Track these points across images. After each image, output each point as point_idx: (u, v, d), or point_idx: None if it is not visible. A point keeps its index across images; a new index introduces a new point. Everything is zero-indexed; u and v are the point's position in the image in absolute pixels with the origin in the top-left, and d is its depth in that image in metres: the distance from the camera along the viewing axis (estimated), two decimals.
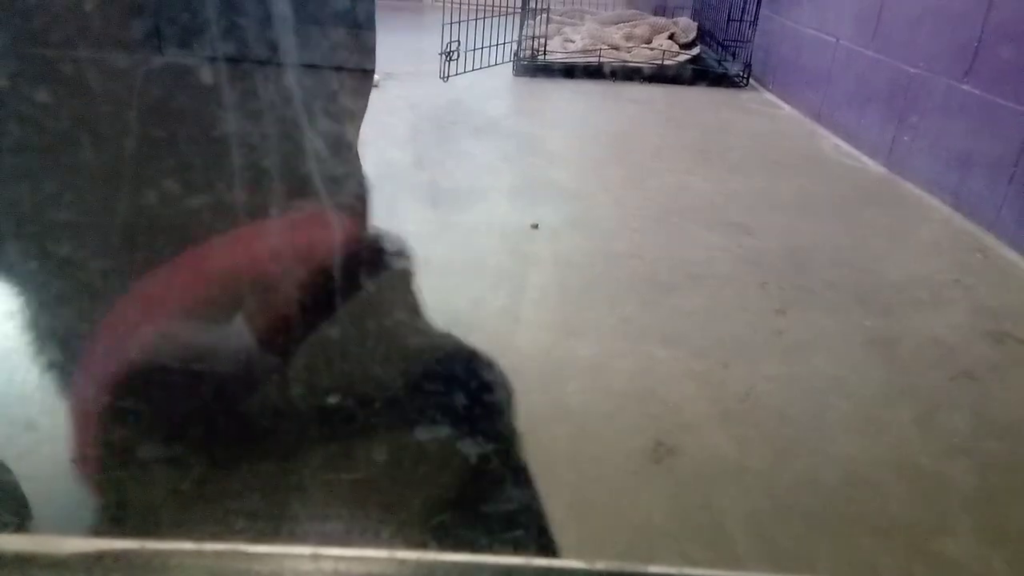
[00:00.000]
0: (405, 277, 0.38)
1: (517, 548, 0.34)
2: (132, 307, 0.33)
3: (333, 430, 0.34)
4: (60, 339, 0.36)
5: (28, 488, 0.57)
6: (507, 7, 2.62)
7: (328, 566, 0.21)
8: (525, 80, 2.71)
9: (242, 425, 0.34)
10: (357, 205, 0.39)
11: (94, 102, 0.32)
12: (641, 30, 3.08)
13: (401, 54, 2.82)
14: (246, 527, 0.36)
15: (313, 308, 0.34)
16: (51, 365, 0.36)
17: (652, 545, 0.72)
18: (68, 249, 0.33)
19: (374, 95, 0.47)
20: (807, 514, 0.77)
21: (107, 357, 0.33)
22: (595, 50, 2.84)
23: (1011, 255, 1.44)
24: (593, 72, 2.76)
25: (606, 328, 1.09)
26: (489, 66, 2.58)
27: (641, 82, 2.76)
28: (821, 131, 2.29)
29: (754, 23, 2.78)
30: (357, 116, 0.41)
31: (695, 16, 3.43)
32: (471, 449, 0.37)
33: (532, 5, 2.84)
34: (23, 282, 0.35)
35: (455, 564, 0.21)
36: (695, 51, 3.00)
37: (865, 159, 2.03)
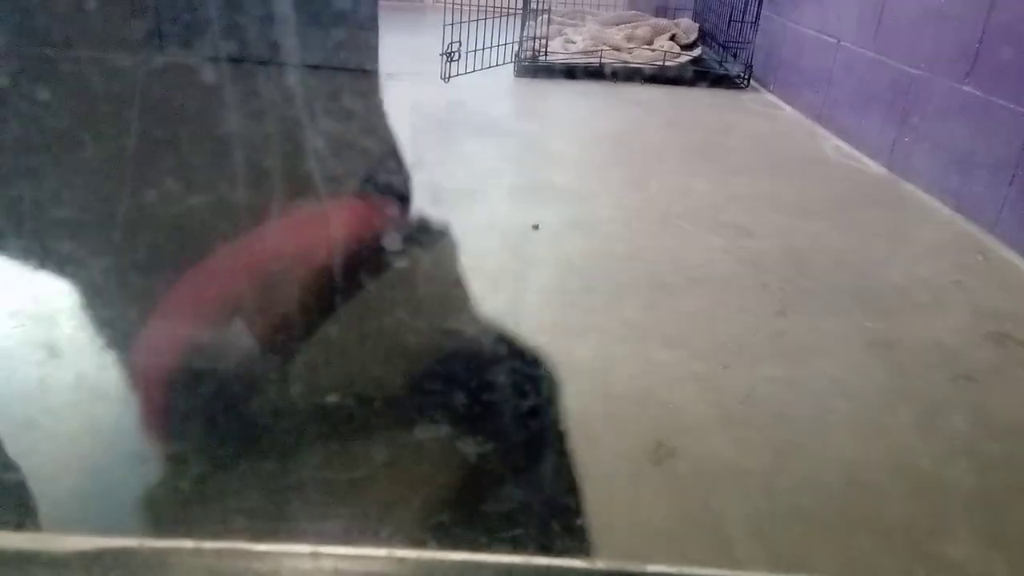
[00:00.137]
0: (452, 256, 0.38)
1: (517, 547, 0.34)
2: (191, 292, 0.33)
3: (397, 408, 0.34)
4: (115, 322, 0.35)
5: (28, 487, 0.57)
6: (508, 8, 2.62)
7: (328, 564, 0.21)
8: (526, 81, 2.71)
9: (277, 415, 0.34)
10: (402, 187, 0.39)
11: (97, 100, 0.32)
12: (642, 31, 3.08)
13: (402, 55, 2.82)
14: (246, 526, 0.36)
15: (364, 291, 0.34)
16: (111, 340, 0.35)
17: (652, 546, 0.72)
18: (130, 238, 0.33)
19: None
20: (807, 515, 0.77)
21: (163, 339, 0.33)
22: (596, 51, 2.84)
23: (1012, 257, 1.44)
24: (594, 73, 2.76)
25: (606, 329, 1.09)
26: (490, 67, 2.58)
27: (642, 83, 2.76)
28: (822, 132, 2.29)
29: (755, 24, 2.78)
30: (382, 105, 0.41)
31: (696, 17, 3.43)
32: (523, 435, 0.37)
33: (533, 6, 2.84)
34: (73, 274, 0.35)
35: (454, 563, 0.21)
36: (696, 52, 3.00)
37: (866, 160, 2.02)
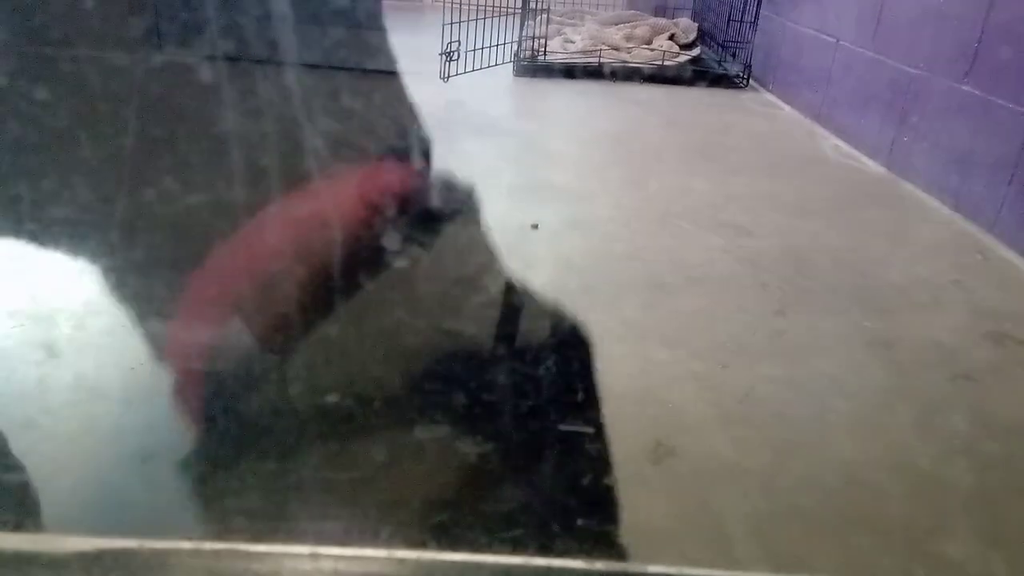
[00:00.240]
0: (477, 220, 0.38)
1: (516, 547, 0.34)
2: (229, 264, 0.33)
3: (433, 369, 0.34)
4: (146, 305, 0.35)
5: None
6: (507, 7, 2.62)
7: (327, 565, 0.21)
8: (525, 80, 2.71)
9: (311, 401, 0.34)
10: (424, 151, 0.40)
11: (95, 99, 0.32)
12: (641, 31, 3.08)
13: (400, 54, 2.82)
14: (245, 526, 0.36)
15: (397, 253, 0.34)
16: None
17: (652, 546, 0.72)
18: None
19: None
20: (806, 515, 0.77)
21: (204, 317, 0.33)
22: (595, 51, 2.84)
23: (1011, 256, 1.44)
24: (593, 73, 2.76)
25: (606, 329, 1.09)
26: (489, 66, 2.58)
27: (641, 83, 2.76)
28: (821, 132, 2.29)
29: (754, 24, 2.78)
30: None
31: (695, 17, 3.43)
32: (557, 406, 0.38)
33: (532, 5, 2.84)
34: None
35: (454, 564, 0.21)
36: (695, 52, 3.00)
37: (865, 160, 2.03)
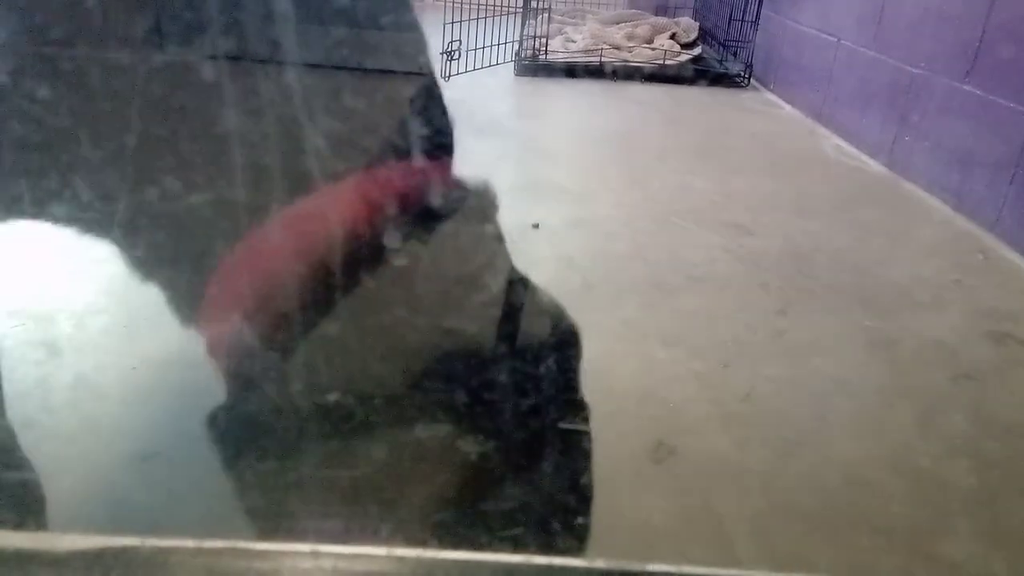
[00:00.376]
0: (492, 214, 0.38)
1: (517, 546, 0.34)
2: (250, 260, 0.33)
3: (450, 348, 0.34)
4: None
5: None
6: (508, 6, 2.62)
7: (328, 563, 0.21)
8: (526, 79, 2.71)
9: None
10: (448, 145, 0.40)
11: (96, 98, 0.32)
12: (642, 30, 3.08)
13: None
14: (246, 524, 0.36)
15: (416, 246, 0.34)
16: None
17: (652, 545, 0.72)
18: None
19: None
20: (807, 514, 0.77)
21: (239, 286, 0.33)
22: (596, 50, 2.84)
23: (1012, 256, 1.44)
24: (594, 72, 2.76)
25: (607, 329, 1.09)
26: (490, 66, 2.57)
27: (642, 82, 2.76)
28: (822, 131, 2.29)
29: (755, 23, 2.78)
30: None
31: (696, 16, 3.43)
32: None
33: (533, 5, 2.84)
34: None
35: (455, 562, 0.21)
36: (696, 51, 2.99)
37: (866, 159, 2.02)
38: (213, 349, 0.35)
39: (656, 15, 3.43)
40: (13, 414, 0.51)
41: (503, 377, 0.36)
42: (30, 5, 0.31)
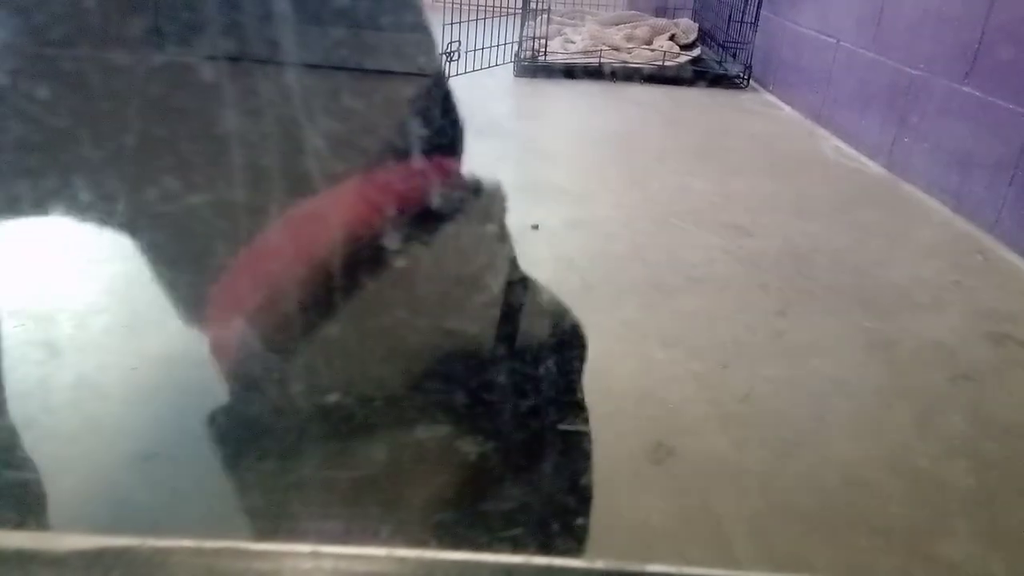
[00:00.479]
0: (500, 212, 0.39)
1: (517, 546, 0.34)
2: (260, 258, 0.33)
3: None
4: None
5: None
6: (507, 7, 2.62)
7: (328, 564, 0.21)
8: (526, 81, 2.71)
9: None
10: (459, 145, 0.40)
11: (95, 98, 0.32)
12: (642, 31, 3.08)
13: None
14: (246, 525, 0.36)
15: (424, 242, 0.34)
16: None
17: (651, 545, 0.72)
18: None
19: None
20: (806, 515, 0.77)
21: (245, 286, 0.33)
22: (596, 51, 2.84)
23: (1011, 257, 1.44)
24: (594, 73, 2.76)
25: (606, 329, 1.09)
26: (489, 67, 2.58)
27: (641, 83, 2.76)
28: (821, 132, 2.29)
29: (755, 24, 2.78)
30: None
31: (696, 17, 3.44)
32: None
33: (533, 6, 2.84)
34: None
35: (454, 562, 0.21)
36: (696, 52, 3.00)
37: (865, 160, 2.03)
38: (219, 349, 0.35)
39: (655, 16, 3.44)
40: (14, 414, 0.51)
41: (513, 378, 0.36)
42: (30, 6, 0.31)
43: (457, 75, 2.41)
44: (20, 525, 0.47)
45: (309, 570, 0.21)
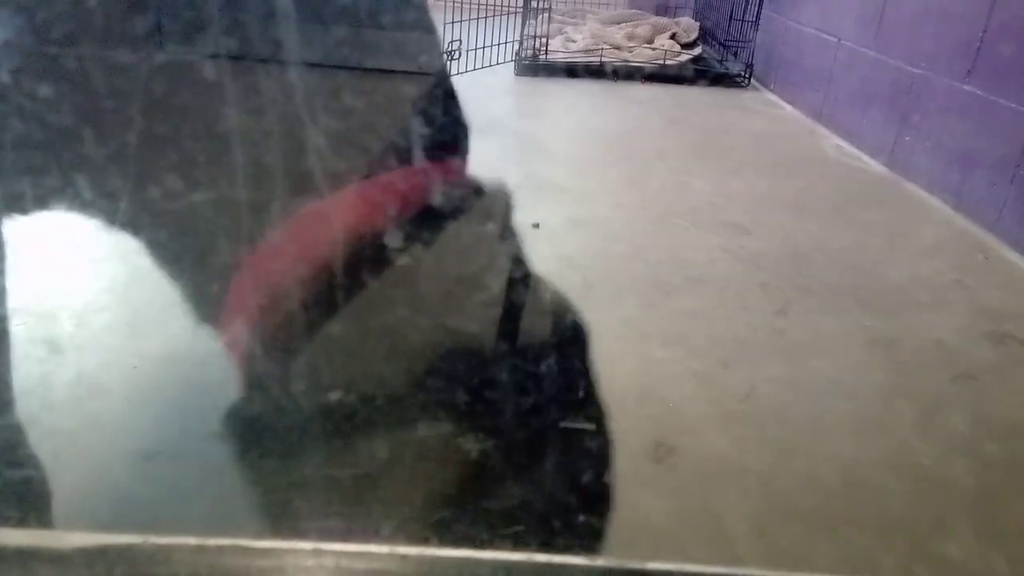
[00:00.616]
0: (506, 211, 0.39)
1: (517, 544, 0.34)
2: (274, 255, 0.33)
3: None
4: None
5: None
6: (508, 6, 2.62)
7: (330, 561, 0.21)
8: (527, 79, 2.71)
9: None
10: (463, 141, 0.40)
11: (98, 97, 0.32)
12: (643, 30, 3.08)
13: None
14: (248, 522, 0.36)
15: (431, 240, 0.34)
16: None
17: (652, 544, 0.72)
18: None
19: None
20: (807, 514, 0.77)
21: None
22: (597, 50, 2.84)
23: (1013, 256, 1.44)
24: (595, 72, 2.76)
25: (607, 328, 1.09)
26: (490, 65, 2.58)
27: (643, 82, 2.76)
28: (822, 131, 2.29)
29: (756, 23, 2.78)
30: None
31: (697, 16, 3.43)
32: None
33: (534, 4, 2.84)
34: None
35: (456, 560, 0.21)
36: (697, 51, 2.99)
37: (866, 159, 2.02)
38: (235, 347, 0.35)
39: (656, 15, 3.43)
40: (16, 411, 0.51)
41: (516, 376, 0.36)
42: (32, 4, 0.31)
43: (458, 74, 2.41)
44: (23, 522, 0.48)
45: (311, 567, 0.21)
